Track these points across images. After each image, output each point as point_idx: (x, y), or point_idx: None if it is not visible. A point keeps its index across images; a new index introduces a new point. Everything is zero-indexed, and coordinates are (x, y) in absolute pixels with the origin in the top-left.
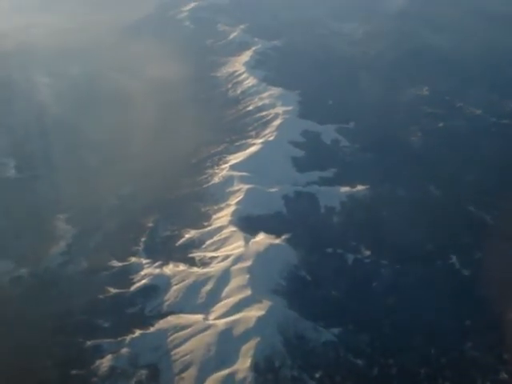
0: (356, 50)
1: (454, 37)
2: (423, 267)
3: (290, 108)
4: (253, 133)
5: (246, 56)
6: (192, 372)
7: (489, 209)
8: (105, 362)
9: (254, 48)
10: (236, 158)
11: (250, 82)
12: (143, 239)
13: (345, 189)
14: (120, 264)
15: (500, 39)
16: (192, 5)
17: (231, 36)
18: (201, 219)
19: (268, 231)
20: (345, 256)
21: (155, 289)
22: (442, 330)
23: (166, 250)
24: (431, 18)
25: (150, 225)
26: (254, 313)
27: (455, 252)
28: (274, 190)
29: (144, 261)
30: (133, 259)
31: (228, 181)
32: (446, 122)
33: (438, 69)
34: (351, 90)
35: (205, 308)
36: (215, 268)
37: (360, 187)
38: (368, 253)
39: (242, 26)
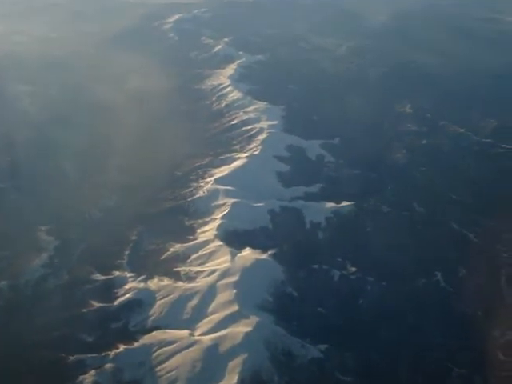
0: (339, 65)
1: (435, 55)
2: (408, 284)
3: (274, 122)
4: (237, 146)
5: (231, 69)
6: None
7: (472, 226)
8: (88, 378)
9: (238, 61)
10: (221, 172)
11: (235, 95)
12: (127, 252)
13: (330, 204)
14: (103, 277)
15: (480, 58)
16: (176, 17)
17: (215, 49)
18: (186, 233)
19: (254, 246)
20: (331, 272)
21: (140, 303)
22: (428, 347)
23: (150, 263)
24: (412, 36)
25: (134, 238)
26: (241, 329)
27: (440, 269)
28: (259, 204)
29: (128, 274)
30: (116, 273)
31: (213, 194)
32: (430, 139)
33: (420, 86)
34: (335, 106)
35: (190, 323)
36: (201, 283)
37: (345, 203)
38: (354, 269)
39: (226, 40)
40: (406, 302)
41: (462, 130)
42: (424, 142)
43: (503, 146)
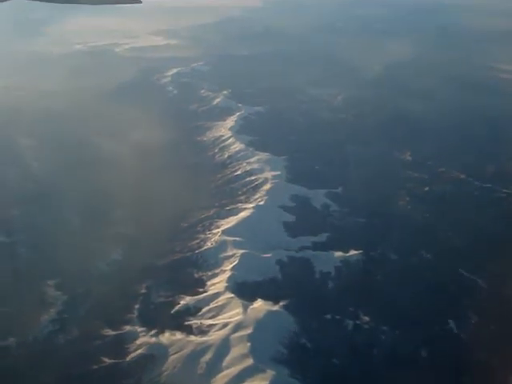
0: (337, 116)
1: (430, 103)
2: (422, 332)
3: (278, 173)
4: (242, 197)
5: (231, 121)
6: None
7: (480, 272)
8: None
9: (238, 113)
10: (228, 223)
11: (237, 146)
12: (137, 306)
13: (338, 254)
14: (114, 332)
15: (475, 105)
16: (174, 70)
17: (215, 101)
18: (195, 285)
19: (265, 297)
20: (344, 322)
21: (152, 359)
22: None
23: (161, 317)
24: (407, 85)
25: (143, 291)
26: (257, 383)
27: (452, 316)
28: (268, 255)
29: (139, 329)
30: (127, 327)
31: (221, 246)
32: (432, 186)
33: (418, 134)
34: (336, 155)
35: (205, 379)
36: (214, 336)
37: (353, 252)
38: (367, 319)
39: (224, 92)
40: (420, 350)
41: (463, 176)
42: (426, 188)
43: (504, 190)
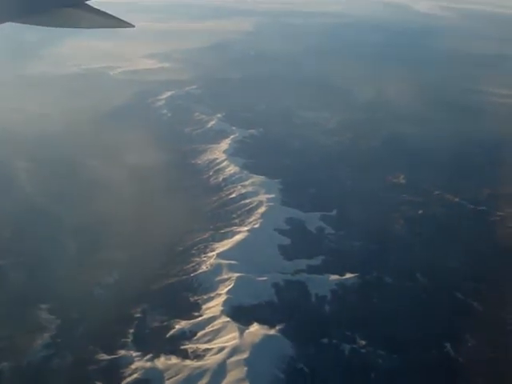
0: (331, 139)
1: (423, 126)
2: (419, 356)
3: (272, 196)
4: (237, 220)
5: (225, 144)
6: None
7: (475, 295)
8: None
9: (232, 136)
10: (223, 246)
11: (232, 169)
12: (131, 330)
13: (334, 277)
14: (108, 357)
15: (467, 128)
16: (168, 93)
17: (209, 124)
18: (191, 309)
19: (261, 321)
20: (341, 346)
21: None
22: None
23: (156, 341)
24: (398, 108)
25: (138, 315)
26: None
27: (448, 340)
28: (263, 278)
29: (134, 353)
30: (122, 352)
31: (216, 269)
32: (426, 209)
33: (411, 157)
34: (330, 178)
35: None
36: (210, 361)
37: (349, 275)
38: (363, 342)
39: (218, 115)
40: (418, 374)
41: (457, 199)
42: (420, 211)
43: (498, 213)
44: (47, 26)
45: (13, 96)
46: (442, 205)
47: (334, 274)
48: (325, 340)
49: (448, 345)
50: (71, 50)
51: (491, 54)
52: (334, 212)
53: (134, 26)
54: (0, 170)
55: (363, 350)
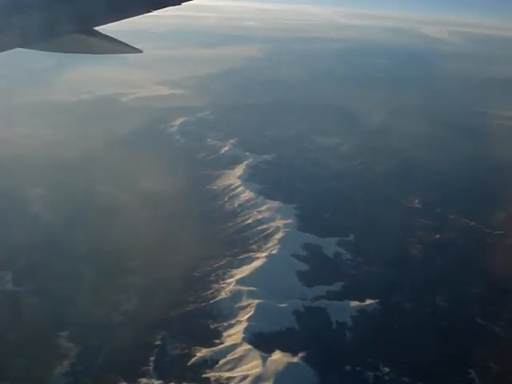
0: (344, 164)
1: (435, 150)
2: (444, 383)
3: (289, 221)
4: (254, 246)
5: (240, 169)
6: None
7: (495, 320)
8: None
9: (246, 162)
10: (241, 272)
11: (247, 195)
12: (152, 358)
13: (354, 303)
14: None
15: (477, 151)
16: (181, 119)
17: (222, 150)
18: (211, 336)
19: (283, 348)
20: (364, 374)
21: None
22: None
23: (177, 369)
24: (408, 132)
25: (158, 343)
26: None
27: (472, 366)
28: (283, 305)
29: (155, 382)
30: (143, 380)
31: (236, 296)
32: (442, 233)
33: (425, 182)
34: (344, 203)
35: None
36: None
37: (369, 301)
38: (387, 370)
39: (231, 141)
40: None
41: (473, 223)
42: (437, 236)
43: None
44: (56, 51)
45: (25, 122)
46: (458, 229)
47: (353, 300)
48: (348, 367)
49: (472, 371)
50: (82, 76)
51: (500, 78)
52: (351, 237)
53: (141, 52)
54: (15, 196)
55: (387, 377)
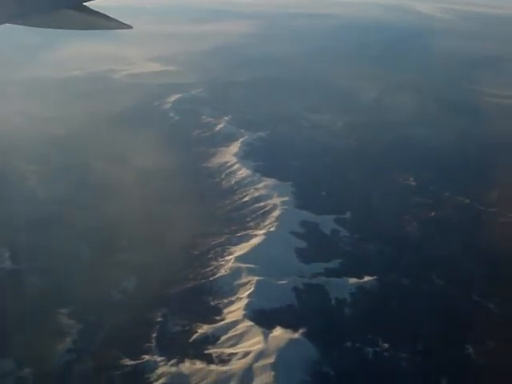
0: (338, 141)
1: (428, 127)
2: (442, 358)
3: (286, 199)
4: (252, 223)
5: (235, 147)
6: None
7: (491, 297)
8: None
9: (241, 139)
10: (240, 250)
11: (243, 172)
12: (154, 335)
13: (353, 280)
14: (133, 362)
15: (470, 129)
16: (175, 97)
17: (217, 127)
18: (212, 313)
19: (284, 325)
20: (364, 350)
21: None
22: None
23: (179, 346)
24: (404, 110)
25: (159, 319)
26: None
27: (469, 342)
28: (283, 282)
29: (158, 358)
30: (146, 357)
31: (235, 273)
32: (437, 211)
33: (419, 159)
34: (340, 180)
35: None
36: (236, 365)
37: (367, 278)
38: (386, 346)
39: (226, 118)
40: (443, 377)
41: (468, 201)
42: (432, 213)
43: (509, 215)
44: (46, 27)
45: (17, 99)
46: (453, 207)
47: (352, 277)
48: (348, 343)
49: (469, 347)
50: (73, 53)
51: (492, 56)
52: (348, 214)
53: (131, 28)
54: (10, 174)
55: (386, 354)
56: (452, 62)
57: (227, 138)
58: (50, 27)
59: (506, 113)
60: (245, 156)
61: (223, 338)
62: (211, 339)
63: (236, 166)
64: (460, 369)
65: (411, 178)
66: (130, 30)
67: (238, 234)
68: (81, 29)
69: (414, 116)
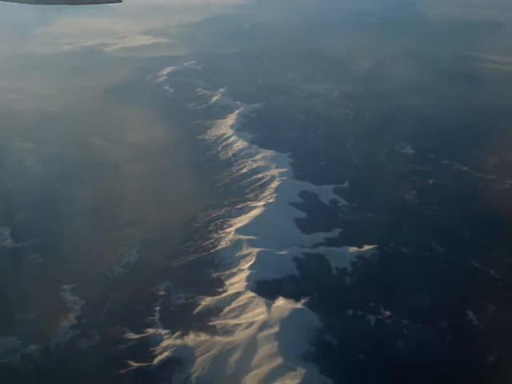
0: (334, 111)
1: (423, 96)
2: (443, 324)
3: (284, 170)
4: (251, 195)
5: (231, 119)
6: None
7: (491, 263)
8: None
9: (237, 111)
10: (240, 222)
11: (240, 144)
12: (157, 308)
13: (353, 249)
14: (137, 336)
15: (465, 96)
16: (168, 69)
17: (213, 99)
18: (214, 285)
19: (286, 295)
20: (366, 317)
21: (179, 361)
22: None
23: (183, 319)
24: (399, 78)
25: (162, 293)
26: (289, 382)
27: (470, 307)
28: (283, 252)
29: (162, 331)
30: (150, 330)
31: (236, 245)
32: (436, 179)
33: (416, 127)
34: (338, 150)
35: (235, 379)
36: (240, 336)
37: (367, 247)
38: (388, 313)
39: (221, 90)
40: (443, 343)
41: (466, 168)
42: (431, 181)
43: (507, 181)
44: (37, 3)
45: (10, 76)
46: (451, 174)
47: (352, 246)
48: (350, 312)
49: (470, 313)
50: (64, 28)
51: (488, 22)
52: (346, 184)
53: (121, 1)
54: (6, 151)
55: (388, 321)
56: (447, 28)
57: (223, 110)
58: (40, 3)
59: (504, 79)
60: (241, 128)
61: (226, 309)
62: (215, 311)
63: (233, 138)
64: (461, 334)
65: (409, 147)
66: (120, 3)
67: (238, 206)
68: (71, 4)
69: (411, 85)
